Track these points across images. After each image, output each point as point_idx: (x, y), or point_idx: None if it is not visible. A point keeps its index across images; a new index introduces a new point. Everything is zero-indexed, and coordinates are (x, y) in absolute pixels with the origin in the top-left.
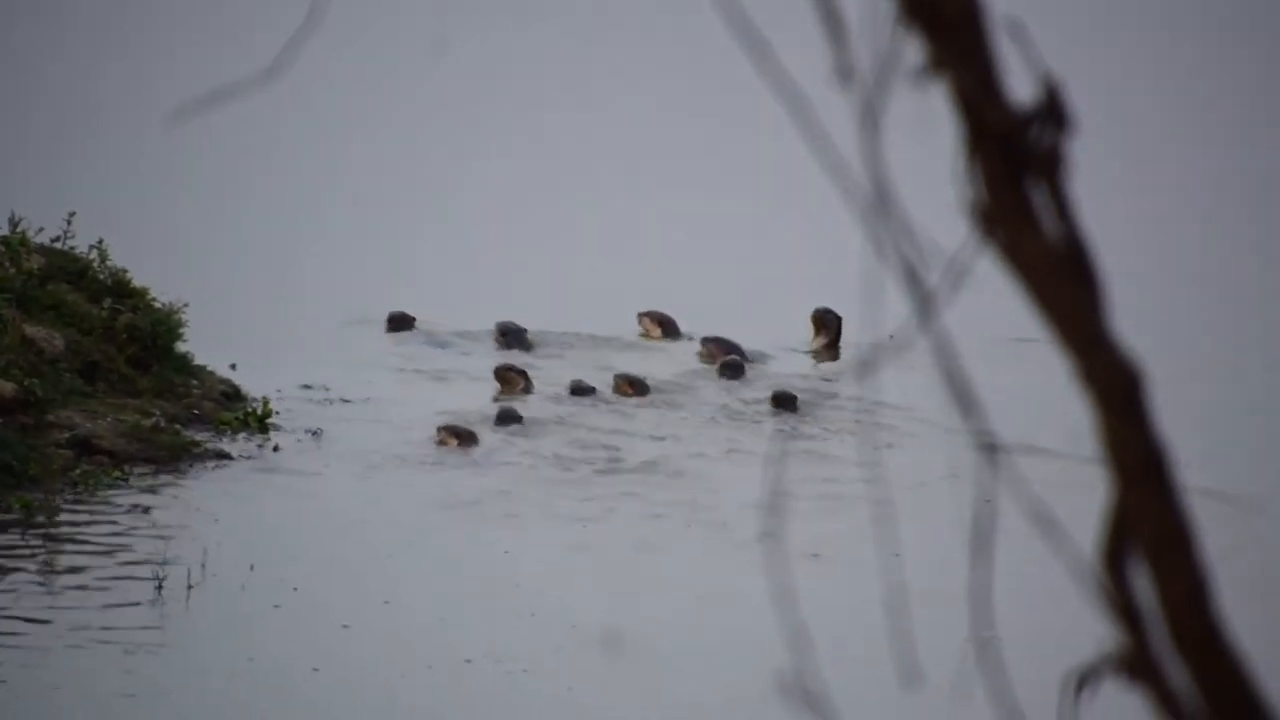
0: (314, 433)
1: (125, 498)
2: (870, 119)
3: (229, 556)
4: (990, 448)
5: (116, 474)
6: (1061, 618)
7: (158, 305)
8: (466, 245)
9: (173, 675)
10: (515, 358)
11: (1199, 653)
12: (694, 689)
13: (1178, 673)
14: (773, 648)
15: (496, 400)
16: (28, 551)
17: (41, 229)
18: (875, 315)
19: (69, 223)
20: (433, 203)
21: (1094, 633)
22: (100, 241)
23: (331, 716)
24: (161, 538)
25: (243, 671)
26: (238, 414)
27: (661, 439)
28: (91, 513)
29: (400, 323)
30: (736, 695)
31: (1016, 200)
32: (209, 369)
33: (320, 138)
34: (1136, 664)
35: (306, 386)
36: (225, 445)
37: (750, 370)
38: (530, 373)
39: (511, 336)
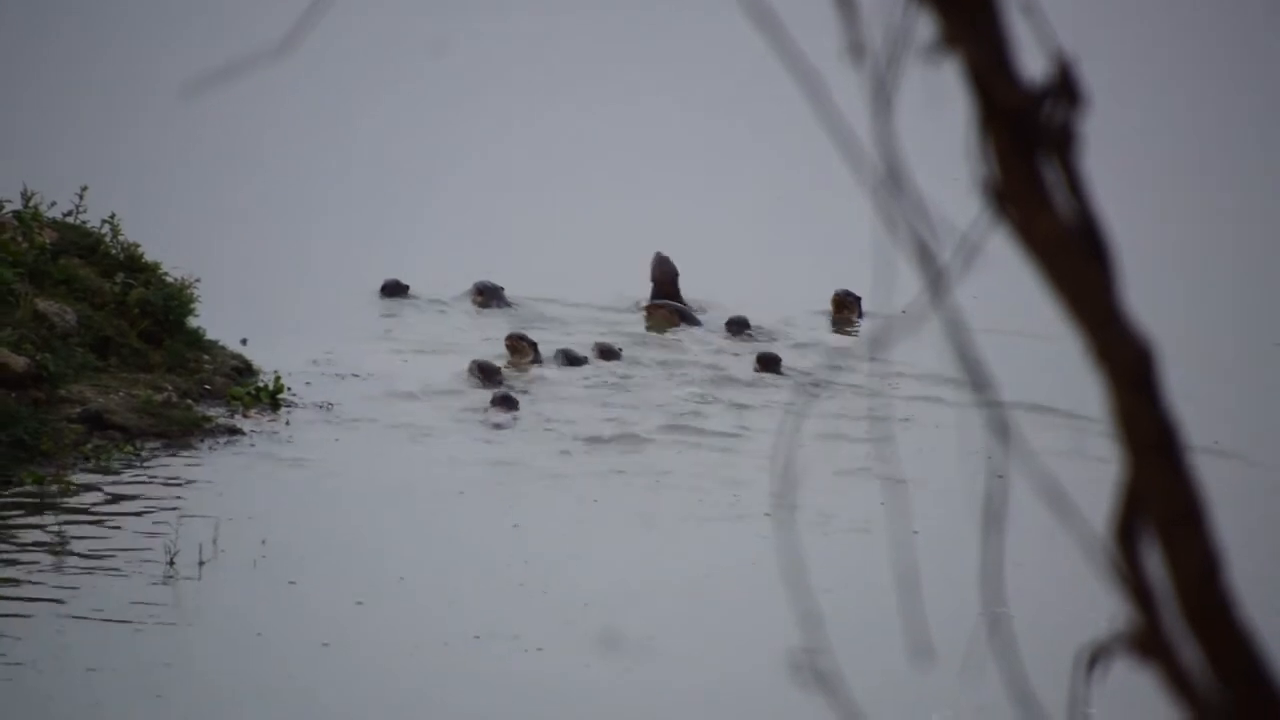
0: (325, 407)
1: (137, 473)
2: (882, 96)
3: (241, 532)
4: (1002, 424)
5: (128, 449)
6: (1073, 594)
7: (170, 280)
8: (474, 218)
9: (183, 652)
10: (495, 316)
11: (1210, 629)
12: (704, 669)
13: (1189, 650)
14: (785, 623)
15: (506, 368)
16: (39, 527)
17: (54, 203)
18: (888, 291)
19: (81, 197)
20: (455, 178)
21: (1105, 609)
22: (112, 216)
23: (340, 692)
24: (174, 513)
25: (252, 648)
26: (249, 389)
27: (674, 411)
28: (103, 488)
29: (394, 290)
30: (746, 675)
31: (1029, 177)
32: (221, 344)
33: (328, 110)
34: (1148, 641)
35: (318, 361)
36: (237, 420)
37: (765, 341)
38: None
39: (489, 295)
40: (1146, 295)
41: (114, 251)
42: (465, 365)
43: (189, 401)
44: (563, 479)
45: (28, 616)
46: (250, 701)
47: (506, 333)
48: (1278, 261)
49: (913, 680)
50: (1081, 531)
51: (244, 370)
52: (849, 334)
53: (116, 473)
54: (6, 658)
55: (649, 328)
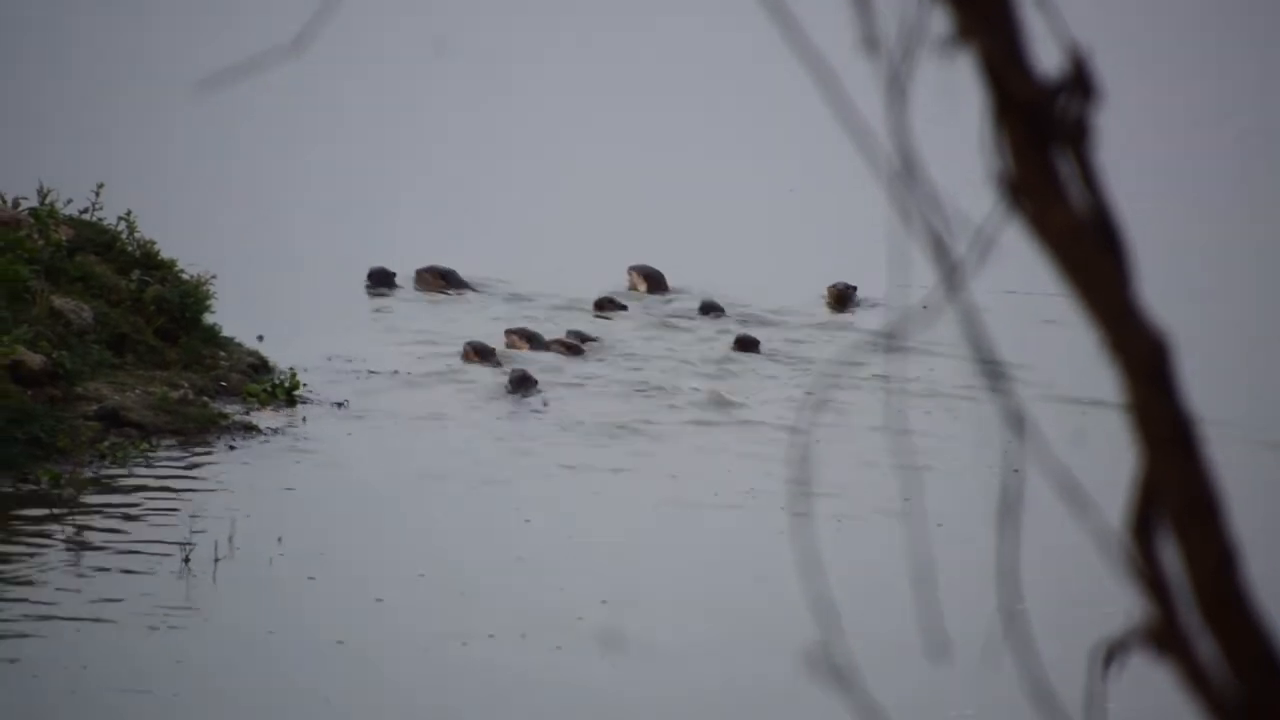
0: (341, 403)
1: (153, 470)
2: (897, 89)
3: (257, 529)
4: (1018, 418)
5: (144, 446)
6: (1090, 588)
7: (186, 277)
8: (475, 206)
9: (196, 650)
10: (484, 302)
11: (1227, 624)
12: (721, 665)
13: (1206, 644)
14: (801, 617)
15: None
16: (55, 524)
17: (70, 201)
18: (903, 284)
19: (97, 194)
20: (462, 171)
21: (1122, 604)
22: (129, 213)
23: (349, 690)
24: (189, 511)
25: (265, 645)
26: (265, 386)
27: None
28: (119, 485)
29: (381, 278)
30: (763, 671)
31: (1043, 170)
32: (236, 341)
33: (334, 104)
34: (1164, 636)
35: (332, 357)
36: (253, 417)
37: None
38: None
39: (447, 278)
40: (1161, 287)
41: (130, 249)
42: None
43: (205, 398)
44: (578, 470)
45: (43, 616)
46: (260, 699)
47: (505, 326)
48: None
49: (930, 675)
50: (1097, 525)
51: (260, 367)
52: (846, 323)
53: (133, 470)
54: (21, 655)
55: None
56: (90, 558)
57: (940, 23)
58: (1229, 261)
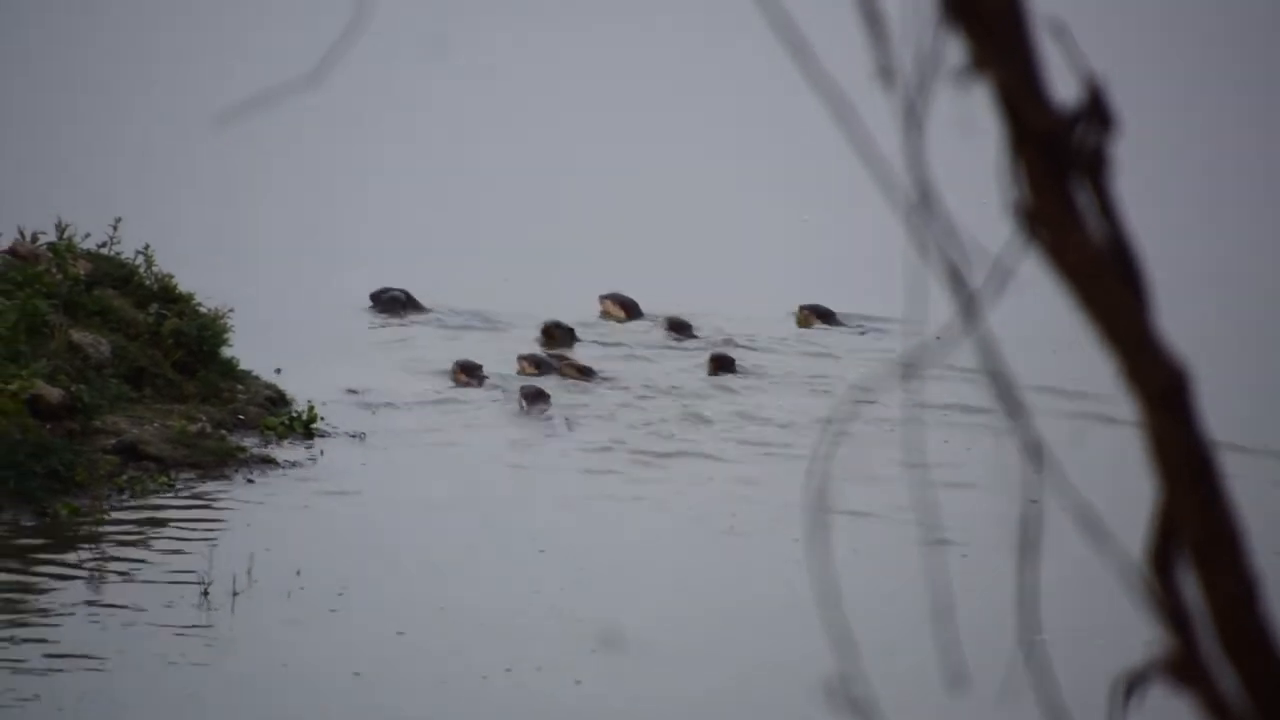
0: (358, 435)
1: (171, 503)
2: (913, 119)
3: (276, 563)
4: (1036, 448)
5: (163, 480)
6: (1109, 620)
7: (203, 310)
8: (476, 232)
9: (215, 682)
10: (402, 321)
11: (1247, 656)
12: (739, 697)
13: (1226, 676)
14: (819, 648)
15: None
16: (73, 559)
17: (88, 235)
18: (920, 315)
19: (115, 228)
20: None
21: (1142, 635)
22: (146, 247)
23: None
24: (208, 544)
25: (283, 678)
26: (283, 419)
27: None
28: (137, 518)
29: (389, 305)
30: (782, 702)
31: (1060, 200)
32: (254, 374)
33: (345, 133)
34: (1185, 667)
35: (351, 390)
36: (271, 450)
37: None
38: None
39: (395, 303)
40: (1179, 316)
41: (148, 282)
42: (493, 385)
43: (223, 432)
44: (594, 497)
45: (61, 651)
46: None
47: (517, 353)
48: None
49: (949, 707)
50: (1117, 556)
51: (277, 400)
52: (814, 342)
53: (151, 504)
54: (41, 690)
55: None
56: (108, 591)
57: (956, 53)
58: (1241, 289)
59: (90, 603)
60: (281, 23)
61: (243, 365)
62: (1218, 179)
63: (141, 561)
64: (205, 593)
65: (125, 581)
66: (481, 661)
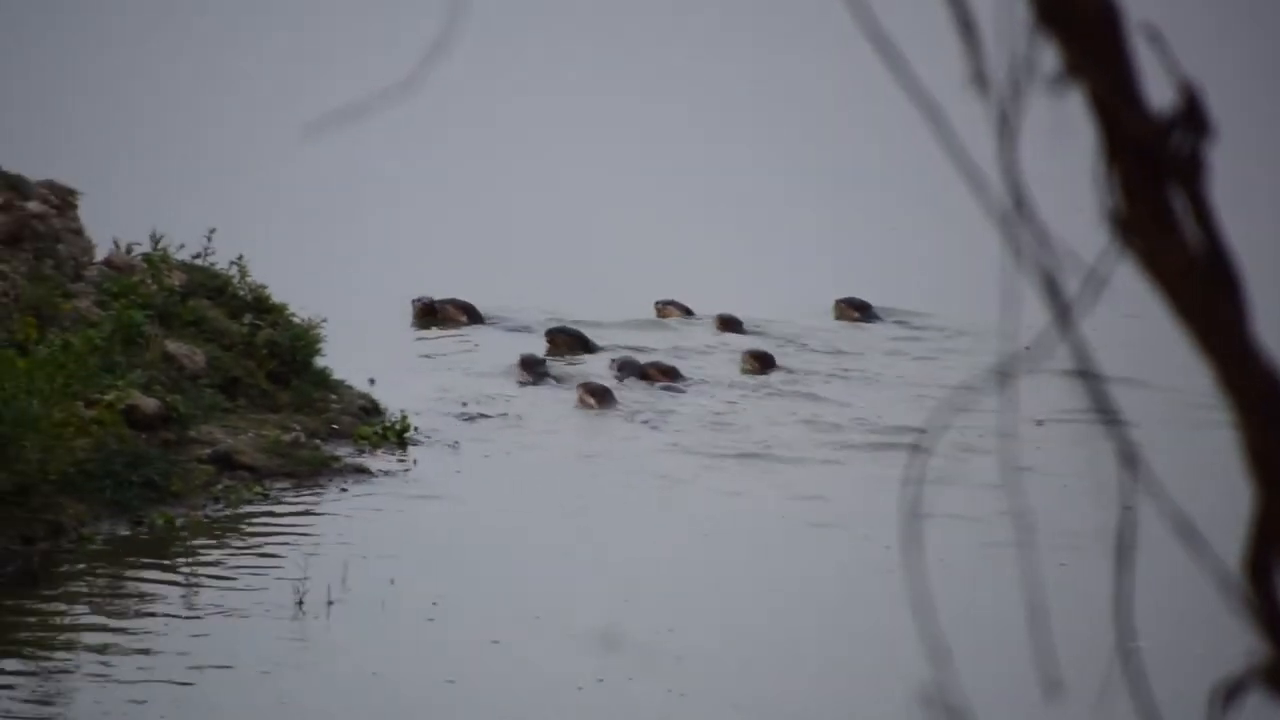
0: (452, 445)
1: (265, 513)
2: (1007, 126)
3: (370, 572)
4: (1130, 455)
5: (257, 489)
6: (1206, 627)
7: (296, 320)
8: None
9: (309, 690)
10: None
11: None
12: (835, 707)
13: None
14: (913, 655)
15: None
16: (169, 568)
17: (183, 246)
18: (1013, 324)
19: (209, 239)
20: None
21: (1239, 643)
22: (240, 257)
23: None
24: (302, 553)
25: (376, 686)
26: (376, 428)
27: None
28: (232, 528)
29: (427, 313)
30: (877, 710)
31: (1156, 208)
32: (347, 384)
33: (430, 146)
34: None
35: (441, 398)
36: (365, 460)
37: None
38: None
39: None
40: (1277, 324)
41: (242, 293)
42: (575, 392)
43: (317, 441)
44: (689, 503)
45: (157, 660)
46: None
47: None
48: None
49: (1044, 714)
50: (1213, 563)
51: (371, 409)
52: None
53: (246, 513)
54: (136, 697)
55: (549, 353)
56: (204, 600)
57: (1050, 59)
58: None
59: (186, 612)
60: (371, 35)
61: (335, 375)
62: None
63: (236, 570)
64: (300, 602)
65: (220, 590)
66: (575, 671)
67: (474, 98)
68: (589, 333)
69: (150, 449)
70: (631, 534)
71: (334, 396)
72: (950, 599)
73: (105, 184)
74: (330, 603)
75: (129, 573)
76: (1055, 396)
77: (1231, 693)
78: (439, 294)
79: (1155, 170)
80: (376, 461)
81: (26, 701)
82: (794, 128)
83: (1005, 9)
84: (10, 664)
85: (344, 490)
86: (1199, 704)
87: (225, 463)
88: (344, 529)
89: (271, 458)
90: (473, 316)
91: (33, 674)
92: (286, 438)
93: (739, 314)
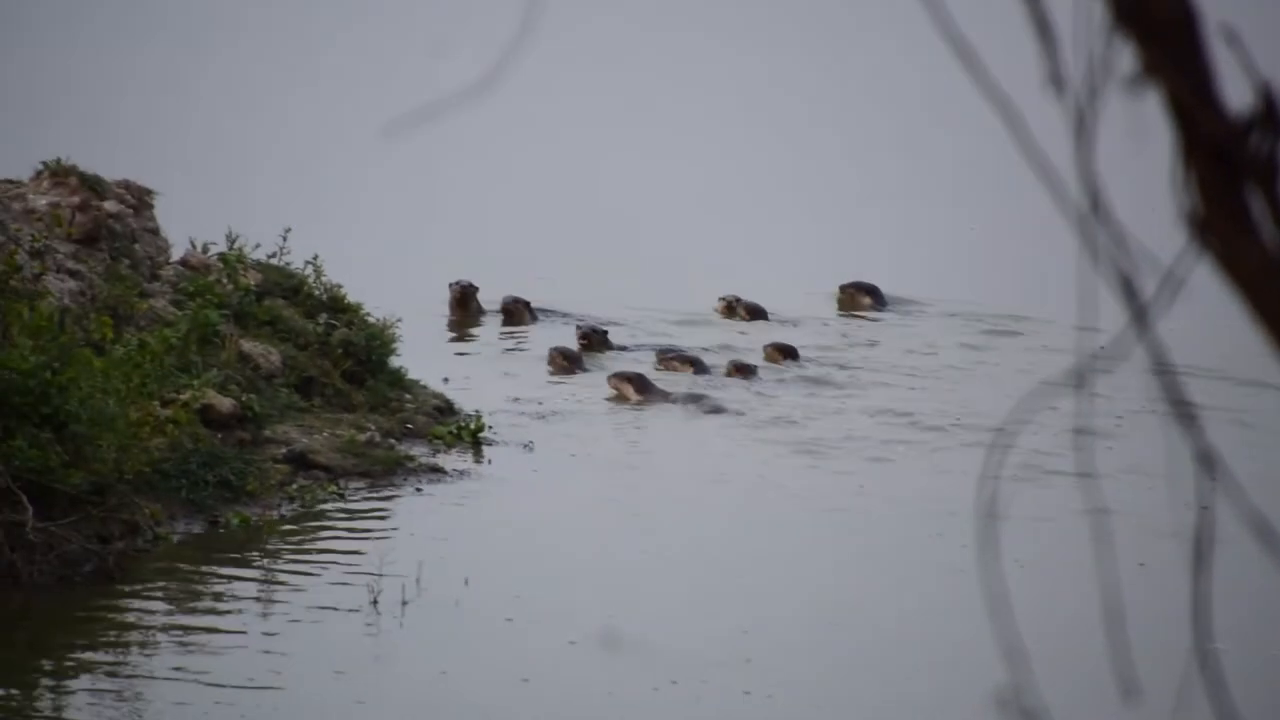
0: (526, 445)
1: (341, 513)
2: (1083, 128)
3: (444, 571)
4: (1207, 456)
5: (332, 489)
6: None
7: (371, 320)
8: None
9: (384, 692)
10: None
11: None
12: (909, 709)
13: None
14: (989, 659)
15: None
16: (245, 568)
17: (258, 245)
18: (1090, 325)
19: (284, 239)
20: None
21: None
22: (315, 257)
23: None
24: (377, 553)
25: (450, 685)
26: (451, 428)
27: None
28: (307, 527)
29: (465, 300)
30: (953, 714)
31: (1233, 209)
32: (422, 383)
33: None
34: None
35: (518, 399)
36: (439, 459)
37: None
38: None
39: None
40: None
41: (317, 292)
42: (609, 384)
43: (391, 441)
44: (747, 498)
45: (233, 661)
46: None
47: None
48: None
49: (1122, 717)
50: None
51: (445, 409)
52: (864, 319)
53: (321, 513)
54: (215, 697)
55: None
56: (280, 600)
57: (1127, 60)
58: None
59: (262, 611)
60: (445, 34)
61: (409, 375)
62: None
63: (311, 570)
64: (375, 602)
65: (295, 590)
66: (650, 671)
67: (529, 92)
68: (629, 331)
69: (226, 448)
70: (704, 534)
71: (408, 396)
72: (1026, 600)
73: (182, 183)
74: (405, 602)
75: (205, 572)
76: (1137, 393)
77: None
78: (504, 289)
79: (1232, 171)
80: (451, 461)
81: (107, 702)
82: (870, 127)
83: (1082, 10)
84: (89, 663)
85: (418, 490)
86: (1277, 705)
87: (300, 462)
88: (418, 529)
89: (346, 457)
90: (532, 314)
91: (112, 673)
92: (361, 437)
93: (792, 312)
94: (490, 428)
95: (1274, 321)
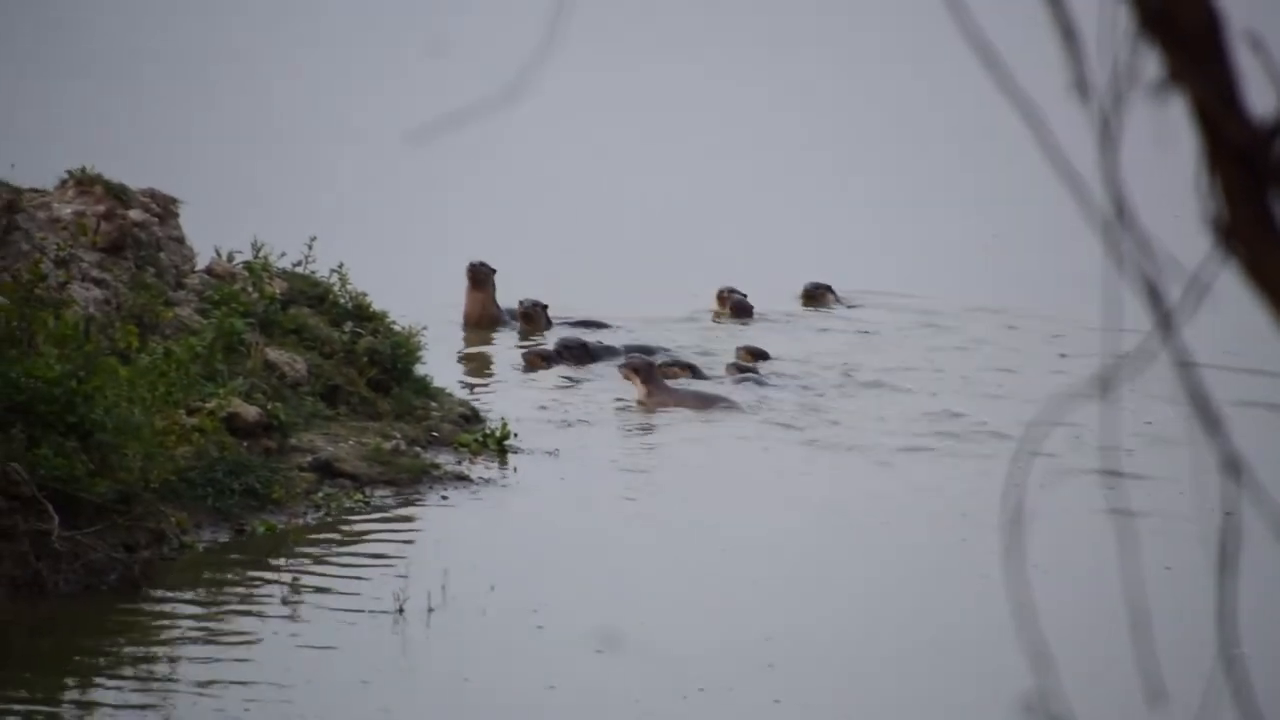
0: (552, 453)
1: (366, 521)
2: (1108, 133)
3: (471, 579)
4: (1233, 462)
5: (358, 497)
6: None
7: (397, 329)
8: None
9: (409, 701)
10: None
11: None
12: (933, 705)
13: None
14: (1015, 664)
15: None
16: (271, 575)
17: (283, 254)
18: (1115, 331)
19: (310, 247)
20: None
21: None
22: (340, 265)
23: None
24: (403, 560)
25: (476, 694)
26: (476, 436)
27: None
28: (333, 536)
29: (481, 280)
30: (965, 715)
31: (1258, 215)
32: (447, 391)
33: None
34: None
35: (543, 407)
36: (465, 467)
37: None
38: None
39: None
40: None
41: (342, 300)
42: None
43: (417, 449)
44: (771, 503)
45: (258, 669)
46: None
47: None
48: None
49: None
50: None
51: (471, 417)
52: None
53: (346, 521)
54: (241, 706)
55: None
56: (305, 609)
57: (1152, 66)
58: None
59: (288, 619)
60: (470, 42)
61: (434, 383)
62: None
63: (337, 578)
64: (401, 609)
65: (321, 598)
66: (678, 679)
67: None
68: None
69: (251, 457)
70: (729, 540)
71: (434, 404)
72: (1051, 605)
73: (207, 192)
74: (430, 609)
75: (231, 581)
76: (1164, 396)
77: None
78: (521, 294)
79: (1258, 177)
80: (477, 469)
81: (134, 710)
82: (886, 133)
83: (1107, 16)
84: (115, 672)
85: (444, 498)
86: None
87: (326, 470)
88: (444, 536)
89: (372, 465)
90: (548, 320)
91: (139, 681)
92: (387, 445)
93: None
94: (516, 435)
95: None
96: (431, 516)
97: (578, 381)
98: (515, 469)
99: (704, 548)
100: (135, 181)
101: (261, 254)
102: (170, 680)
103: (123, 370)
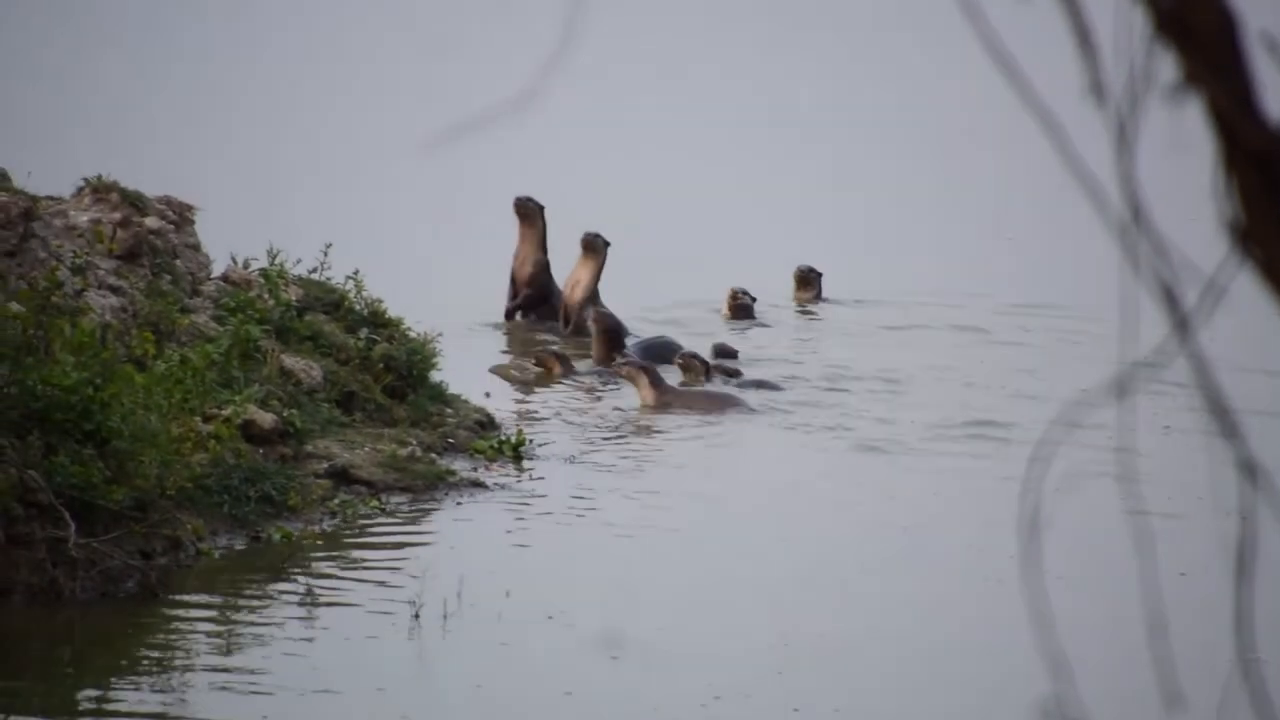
0: (568, 459)
1: (382, 527)
2: (1124, 137)
3: (486, 584)
4: (1250, 465)
5: (374, 504)
6: None
7: (412, 335)
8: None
9: (426, 707)
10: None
11: None
12: (952, 712)
13: None
14: (1032, 669)
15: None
16: (287, 582)
17: (299, 260)
18: (1133, 334)
19: (325, 254)
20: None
21: None
22: (356, 272)
23: None
24: (418, 567)
25: (492, 700)
26: (492, 442)
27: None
28: (349, 542)
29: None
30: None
31: (1274, 218)
32: (463, 398)
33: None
34: None
35: (560, 412)
36: (480, 474)
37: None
38: None
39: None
40: None
41: (358, 307)
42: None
43: (433, 456)
44: (785, 505)
45: (274, 676)
46: None
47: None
48: None
49: None
50: None
51: (486, 424)
52: (808, 315)
53: (362, 528)
54: (257, 713)
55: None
56: (322, 615)
57: (1168, 69)
58: None
59: (304, 626)
60: (484, 50)
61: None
62: None
63: (353, 585)
64: (416, 615)
65: (337, 605)
66: (695, 686)
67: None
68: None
69: (267, 464)
70: (746, 547)
71: (450, 410)
72: (1067, 610)
73: (223, 199)
74: (446, 615)
75: (247, 587)
76: (1181, 400)
77: None
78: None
79: (1274, 180)
80: (492, 475)
81: (150, 718)
82: (907, 135)
83: (1123, 20)
84: (132, 679)
85: (460, 504)
86: None
87: (342, 477)
88: (460, 543)
89: (388, 472)
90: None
91: (156, 688)
92: (403, 452)
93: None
94: (531, 441)
95: None
96: (447, 523)
97: (591, 386)
98: (531, 475)
99: (720, 552)
100: (151, 189)
101: (277, 261)
102: (187, 687)
103: (139, 377)
